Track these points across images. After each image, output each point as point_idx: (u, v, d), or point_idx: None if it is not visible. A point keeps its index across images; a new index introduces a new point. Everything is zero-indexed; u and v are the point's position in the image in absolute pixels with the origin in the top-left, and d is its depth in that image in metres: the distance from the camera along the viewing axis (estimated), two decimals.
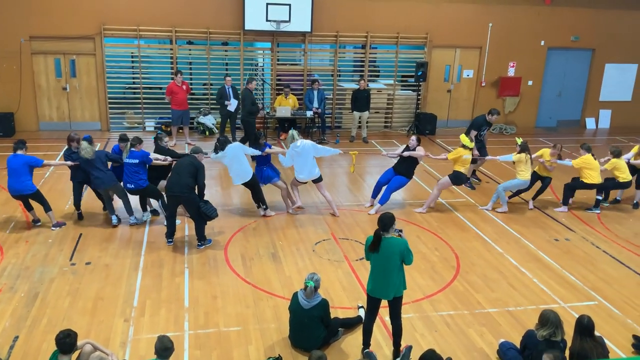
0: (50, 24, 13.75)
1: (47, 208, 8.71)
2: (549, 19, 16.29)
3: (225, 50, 15.67)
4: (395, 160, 10.15)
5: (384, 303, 5.76)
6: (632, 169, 10.41)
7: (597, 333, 5.57)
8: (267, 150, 9.47)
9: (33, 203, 8.72)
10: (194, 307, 6.70)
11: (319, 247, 8.45)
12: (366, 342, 5.89)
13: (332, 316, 6.11)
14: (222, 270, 7.62)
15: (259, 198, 9.50)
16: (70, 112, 14.65)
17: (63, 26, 13.83)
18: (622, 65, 17.36)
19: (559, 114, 17.62)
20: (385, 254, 5.52)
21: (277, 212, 9.74)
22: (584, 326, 5.38)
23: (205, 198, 8.32)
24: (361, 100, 14.46)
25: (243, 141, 12.01)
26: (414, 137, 9.83)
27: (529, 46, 16.44)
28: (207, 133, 14.80)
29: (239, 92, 13.85)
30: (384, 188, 9.94)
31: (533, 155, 10.11)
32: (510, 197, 10.49)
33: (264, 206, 9.55)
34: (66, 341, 4.99)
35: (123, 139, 8.93)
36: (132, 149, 8.61)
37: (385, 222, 5.52)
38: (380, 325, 6.32)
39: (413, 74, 15.56)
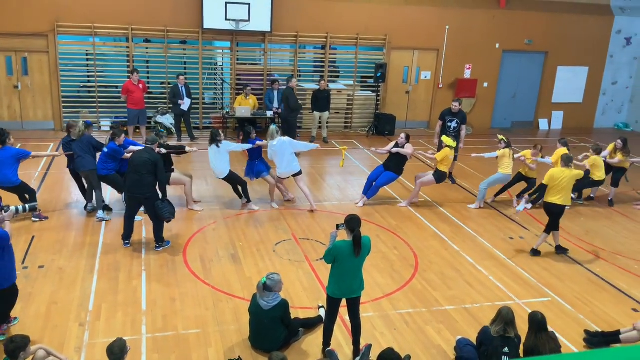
0: (0, 20, 13.30)
1: (33, 199, 8.78)
2: (503, 23, 16.69)
3: (184, 49, 15.48)
4: (384, 158, 10.57)
5: (343, 302, 5.79)
6: (608, 167, 10.90)
7: (550, 328, 5.74)
8: (258, 143, 9.72)
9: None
10: (152, 310, 6.60)
11: (280, 248, 8.44)
12: (326, 342, 5.91)
13: (292, 316, 6.11)
14: (180, 273, 7.52)
15: (243, 192, 9.78)
16: (23, 111, 14.21)
17: (14, 22, 13.39)
18: (573, 68, 17.93)
19: (513, 115, 18.07)
20: (361, 252, 5.58)
21: (264, 208, 9.94)
22: (538, 322, 5.55)
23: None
24: (321, 100, 14.51)
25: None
26: (403, 134, 10.19)
27: (485, 49, 16.80)
28: (165, 133, 14.55)
29: (192, 90, 13.82)
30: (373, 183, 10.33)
31: (516, 155, 10.51)
32: (496, 195, 10.84)
33: (246, 200, 9.79)
34: (9, 347, 4.85)
35: (112, 127, 9.34)
36: (112, 140, 8.87)
37: (359, 222, 5.55)
38: (340, 325, 6.35)
39: (372, 75, 15.72)
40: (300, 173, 9.72)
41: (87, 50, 14.80)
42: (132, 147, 9.08)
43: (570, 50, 17.61)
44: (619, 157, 10.83)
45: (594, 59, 18.02)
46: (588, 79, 18.21)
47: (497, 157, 10.33)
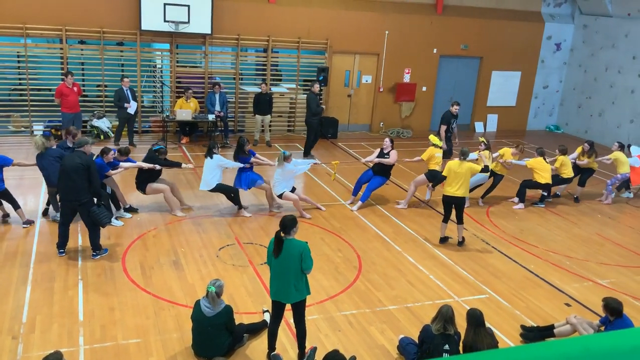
0: None
1: (16, 206, 8.64)
2: (440, 29, 17.10)
3: (121, 51, 15.08)
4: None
5: (288, 306, 5.79)
6: (577, 168, 11.66)
7: (487, 324, 5.93)
8: (253, 159, 9.76)
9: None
10: (90, 320, 6.38)
11: (223, 253, 8.34)
12: (271, 346, 5.89)
13: (236, 322, 6.05)
14: (119, 281, 7.31)
15: (235, 200, 9.73)
16: None
17: None
18: (507, 72, 18.57)
19: None
20: (286, 255, 5.54)
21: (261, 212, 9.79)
22: (477, 318, 5.72)
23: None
24: (263, 103, 14.45)
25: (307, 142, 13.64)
26: (387, 140, 10.43)
27: (423, 54, 17.18)
28: (102, 137, 14.14)
29: (136, 93, 13.45)
30: (364, 186, 10.60)
31: (494, 154, 10.99)
32: (483, 197, 11.25)
33: (238, 207, 9.76)
34: None
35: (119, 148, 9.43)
36: (100, 156, 8.78)
37: (287, 223, 5.57)
38: (285, 328, 6.34)
39: (314, 78, 15.78)
40: (293, 189, 9.87)
41: (18, 52, 14.19)
42: (123, 164, 9.06)
43: (503, 55, 18.23)
44: (587, 159, 11.66)
45: (526, 64, 18.72)
46: (521, 83, 18.89)
47: (477, 160, 10.63)
